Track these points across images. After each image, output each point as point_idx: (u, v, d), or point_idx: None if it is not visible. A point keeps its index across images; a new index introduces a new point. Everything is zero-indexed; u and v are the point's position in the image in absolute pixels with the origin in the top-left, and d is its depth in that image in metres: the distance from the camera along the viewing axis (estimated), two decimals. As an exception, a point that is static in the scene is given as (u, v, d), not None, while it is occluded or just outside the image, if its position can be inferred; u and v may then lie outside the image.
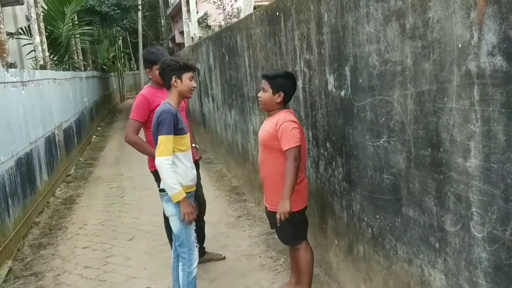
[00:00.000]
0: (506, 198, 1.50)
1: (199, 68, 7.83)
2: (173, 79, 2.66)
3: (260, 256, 3.70)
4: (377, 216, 2.34)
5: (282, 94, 2.67)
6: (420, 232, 1.98)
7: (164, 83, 2.73)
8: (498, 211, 1.53)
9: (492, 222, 1.56)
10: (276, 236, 4.01)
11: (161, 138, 2.53)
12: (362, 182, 2.47)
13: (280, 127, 2.59)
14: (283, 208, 2.50)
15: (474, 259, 1.67)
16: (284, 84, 2.69)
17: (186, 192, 2.63)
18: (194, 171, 2.76)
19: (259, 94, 2.78)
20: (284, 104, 2.74)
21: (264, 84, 2.71)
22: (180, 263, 2.74)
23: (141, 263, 3.77)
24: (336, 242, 2.90)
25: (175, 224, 2.69)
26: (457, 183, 1.71)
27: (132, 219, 4.95)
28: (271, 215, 2.76)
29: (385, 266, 2.31)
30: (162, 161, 2.52)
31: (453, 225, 1.76)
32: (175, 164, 2.61)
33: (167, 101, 2.68)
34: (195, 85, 2.77)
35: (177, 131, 2.59)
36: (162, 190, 2.67)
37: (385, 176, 2.21)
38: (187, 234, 2.69)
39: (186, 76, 2.69)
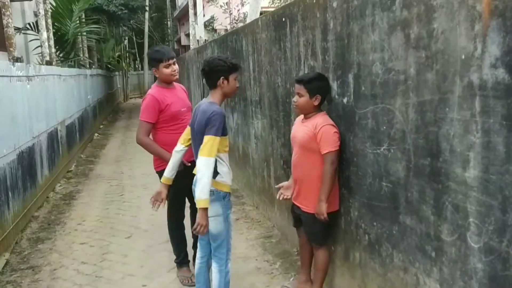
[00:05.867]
0: (503, 209, 1.51)
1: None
2: (221, 80, 2.59)
3: (256, 259, 3.70)
4: (375, 223, 2.35)
5: (319, 97, 2.68)
6: (416, 240, 1.99)
7: (208, 82, 2.65)
8: (495, 222, 1.55)
9: (488, 233, 1.58)
10: (273, 240, 4.05)
11: (209, 138, 2.47)
12: (361, 189, 2.48)
13: (320, 130, 2.60)
14: (320, 210, 2.60)
15: (469, 269, 1.68)
16: (320, 86, 2.70)
17: (226, 192, 2.64)
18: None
19: (294, 99, 2.77)
20: (319, 106, 2.75)
21: (300, 89, 2.70)
22: (217, 265, 2.69)
23: (138, 261, 3.78)
24: (332, 248, 2.91)
25: (216, 225, 2.62)
26: (455, 193, 1.72)
27: (131, 217, 4.96)
28: (304, 214, 2.81)
29: (381, 273, 2.32)
30: (207, 162, 2.44)
31: (450, 234, 1.78)
32: (221, 164, 2.61)
33: (213, 101, 2.61)
34: (238, 85, 2.72)
35: (224, 131, 2.57)
36: None
37: (384, 183, 2.23)
38: (228, 235, 2.68)
39: (232, 76, 2.62)
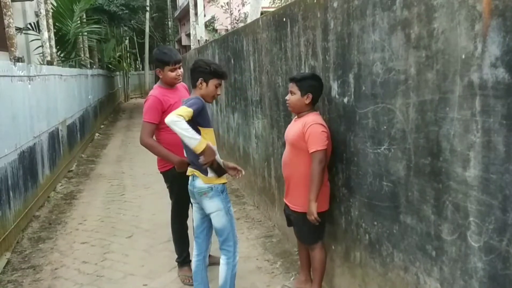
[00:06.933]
0: (503, 208, 1.51)
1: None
2: (199, 81, 2.67)
3: (257, 259, 3.71)
4: (375, 223, 2.36)
5: (310, 95, 2.71)
6: (417, 240, 2.00)
7: (191, 81, 2.74)
8: (495, 221, 1.55)
9: (489, 232, 1.58)
10: (273, 240, 4.05)
11: (183, 107, 2.49)
12: (361, 189, 2.48)
13: (308, 129, 2.62)
14: (310, 210, 2.60)
15: (470, 268, 1.68)
16: (311, 85, 2.73)
17: (224, 184, 2.69)
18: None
19: (287, 97, 2.81)
20: (312, 106, 2.77)
21: (292, 86, 2.75)
22: (225, 257, 2.75)
23: (138, 261, 3.79)
24: (333, 247, 2.91)
25: (220, 220, 2.69)
26: (455, 192, 1.73)
27: (132, 217, 4.97)
28: (292, 213, 2.81)
29: (381, 273, 2.32)
30: (174, 117, 2.42)
31: (450, 234, 1.78)
32: None
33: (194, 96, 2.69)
34: (219, 93, 2.76)
35: (206, 122, 2.62)
36: (202, 188, 2.67)
37: (385, 183, 2.23)
38: (232, 228, 2.73)
39: (212, 82, 2.68)
